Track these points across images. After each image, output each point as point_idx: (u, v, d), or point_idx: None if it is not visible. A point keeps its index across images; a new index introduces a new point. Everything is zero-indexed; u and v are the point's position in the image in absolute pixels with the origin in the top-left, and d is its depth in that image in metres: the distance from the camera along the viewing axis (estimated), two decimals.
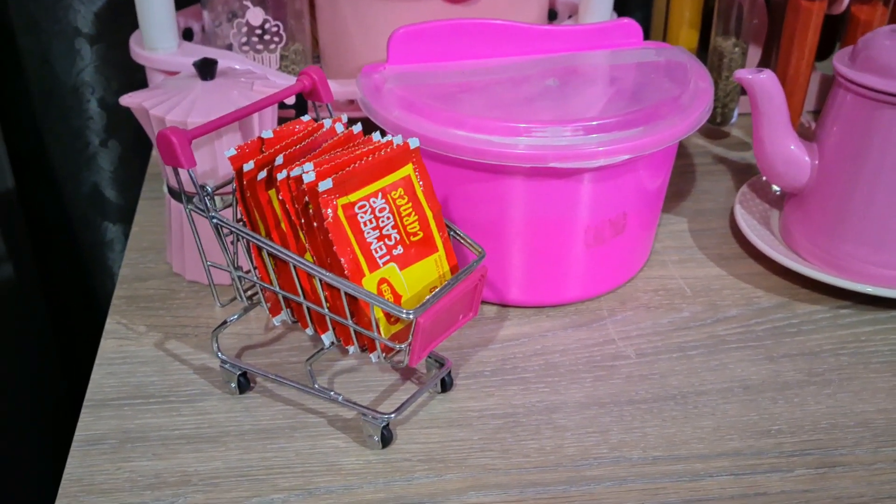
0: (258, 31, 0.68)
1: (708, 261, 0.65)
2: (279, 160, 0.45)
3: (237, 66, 0.66)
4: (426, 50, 0.62)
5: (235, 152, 0.46)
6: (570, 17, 0.77)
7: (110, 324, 0.59)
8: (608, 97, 0.58)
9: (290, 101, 0.62)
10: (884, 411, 0.52)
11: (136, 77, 0.81)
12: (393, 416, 0.49)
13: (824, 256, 0.61)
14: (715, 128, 0.79)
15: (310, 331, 0.49)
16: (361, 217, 0.45)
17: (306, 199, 0.45)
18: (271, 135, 0.48)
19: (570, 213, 0.56)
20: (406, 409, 0.50)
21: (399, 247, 0.47)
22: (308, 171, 0.44)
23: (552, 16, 0.79)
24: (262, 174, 0.46)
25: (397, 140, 0.48)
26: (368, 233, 0.45)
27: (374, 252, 0.46)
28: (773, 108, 0.60)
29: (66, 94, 0.86)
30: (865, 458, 0.49)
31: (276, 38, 0.69)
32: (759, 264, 0.64)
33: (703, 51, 0.78)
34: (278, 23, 0.69)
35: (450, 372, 0.53)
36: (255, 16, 0.68)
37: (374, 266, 0.46)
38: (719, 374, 0.55)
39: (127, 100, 0.59)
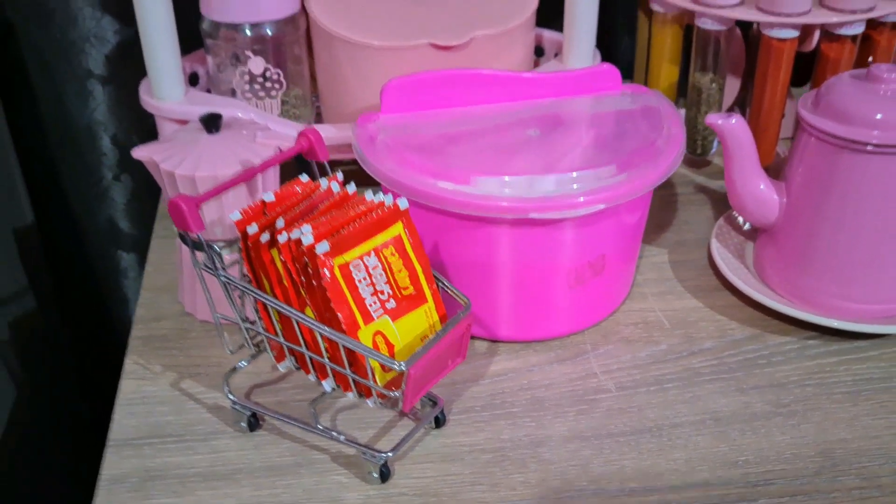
0: (260, 79, 0.73)
1: (686, 293, 0.70)
2: (280, 223, 0.50)
3: (240, 114, 0.70)
4: (417, 99, 0.66)
5: (241, 216, 0.51)
6: (556, 55, 0.81)
7: (129, 364, 0.63)
8: (586, 147, 0.62)
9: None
10: (843, 441, 0.56)
11: (146, 116, 0.86)
12: (390, 454, 0.53)
13: (793, 290, 0.65)
14: (697, 158, 0.83)
15: (312, 377, 0.54)
16: (356, 275, 0.50)
17: (305, 259, 0.49)
18: (273, 198, 0.52)
19: (552, 258, 0.60)
20: (402, 446, 0.54)
21: (391, 300, 0.51)
22: (306, 234, 0.49)
23: (539, 52, 0.83)
24: (266, 236, 0.50)
25: (388, 201, 0.52)
26: (363, 289, 0.50)
27: (368, 307, 0.50)
28: (742, 151, 0.64)
29: (80, 132, 0.91)
30: (824, 486, 0.53)
31: (276, 85, 0.73)
32: (734, 296, 0.68)
33: (685, 84, 0.82)
34: (279, 70, 0.73)
35: (442, 409, 0.57)
36: (257, 65, 0.72)
37: (368, 319, 0.50)
38: (692, 406, 0.59)
39: (139, 153, 0.64)
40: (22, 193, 0.90)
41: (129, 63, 0.86)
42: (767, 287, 0.67)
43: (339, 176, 0.55)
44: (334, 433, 0.55)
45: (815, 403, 0.59)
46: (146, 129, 0.88)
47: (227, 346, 0.56)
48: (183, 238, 0.62)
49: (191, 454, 0.56)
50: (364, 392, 0.52)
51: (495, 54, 0.73)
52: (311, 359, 0.53)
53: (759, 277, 0.68)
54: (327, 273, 0.48)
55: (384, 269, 0.50)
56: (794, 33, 0.73)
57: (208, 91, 0.77)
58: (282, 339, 0.53)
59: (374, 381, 0.50)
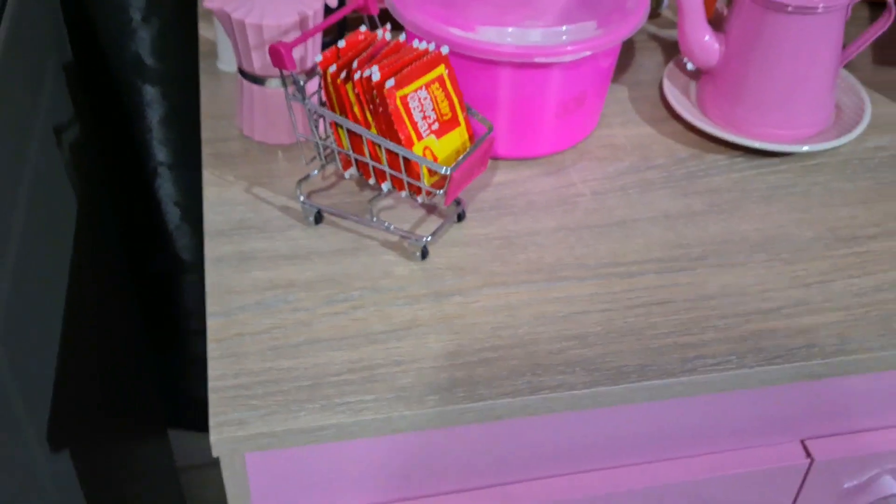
0: None
1: (643, 122, 0.88)
2: (354, 64, 0.66)
3: None
4: None
5: (322, 58, 0.67)
6: None
7: (207, 175, 0.80)
8: (573, 6, 0.78)
9: (333, 3, 0.80)
10: (758, 230, 0.77)
11: None
12: (429, 238, 0.72)
13: (726, 119, 0.84)
14: (651, 11, 1.00)
15: (372, 181, 0.71)
16: (412, 104, 0.66)
17: (374, 92, 0.65)
18: (344, 44, 0.68)
19: (544, 94, 0.77)
20: (438, 233, 0.73)
21: (436, 123, 0.68)
22: (375, 73, 0.65)
23: None
24: (343, 74, 0.66)
25: (432, 48, 0.68)
26: (416, 114, 0.67)
27: (419, 128, 0.67)
28: (693, 7, 0.82)
29: None
30: (742, 259, 0.74)
31: None
32: (680, 125, 0.87)
33: None
34: None
35: (464, 208, 0.76)
36: None
37: (420, 137, 0.67)
38: (649, 207, 0.79)
39: (210, 3, 0.78)
40: (63, 33, 1.02)
41: None
42: (706, 117, 0.86)
43: (388, 26, 0.71)
44: (386, 223, 0.73)
45: (739, 204, 0.79)
46: None
47: (305, 158, 0.73)
48: (244, 74, 0.77)
49: (273, 241, 0.74)
50: (415, 191, 0.70)
51: None
52: (373, 167, 0.70)
53: (700, 110, 0.87)
54: (393, 102, 0.65)
55: (432, 100, 0.67)
56: None
57: None
58: (351, 152, 0.70)
59: (424, 182, 0.68)
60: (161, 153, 1.18)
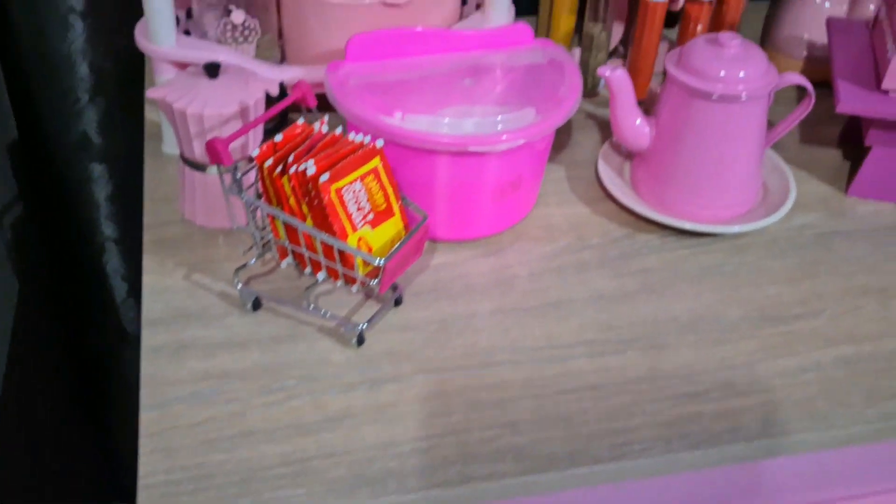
0: (239, 27, 0.88)
1: (579, 202, 0.90)
2: (291, 158, 0.67)
3: (229, 59, 0.85)
4: (377, 50, 0.83)
5: (259, 152, 0.68)
6: (477, 6, 0.99)
7: (147, 262, 0.80)
8: (509, 94, 0.81)
9: (274, 91, 0.82)
10: (688, 310, 0.79)
11: (120, 45, 0.99)
12: (365, 325, 0.73)
13: (658, 200, 0.87)
14: (588, 91, 1.03)
15: (307, 271, 0.72)
16: (347, 196, 0.68)
17: (310, 185, 0.67)
18: (281, 138, 0.69)
19: (481, 179, 0.79)
20: (375, 320, 0.74)
21: (371, 214, 0.70)
22: (311, 167, 0.66)
23: (464, 2, 1.00)
24: (279, 168, 0.68)
25: (367, 140, 0.70)
26: (351, 206, 0.68)
27: (354, 219, 0.68)
28: (624, 95, 0.84)
29: (61, 60, 1.04)
30: (671, 341, 0.76)
31: (253, 33, 0.89)
32: (614, 205, 0.89)
33: (580, 32, 1.01)
34: (255, 20, 0.88)
35: (401, 293, 0.77)
36: (238, 16, 0.87)
37: (354, 228, 0.69)
38: (584, 287, 0.80)
39: (153, 94, 0.79)
40: (9, 113, 1.03)
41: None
42: (639, 197, 0.88)
43: (325, 118, 0.72)
44: (322, 311, 0.74)
45: (671, 283, 0.81)
46: (121, 56, 1.03)
47: (243, 247, 0.74)
48: (186, 161, 0.78)
49: (210, 329, 0.74)
50: (350, 281, 0.71)
51: (431, 10, 0.90)
52: (308, 257, 0.71)
53: (633, 189, 0.89)
54: (327, 196, 0.67)
55: (366, 192, 0.69)
56: None
57: (186, 32, 0.92)
58: (287, 243, 0.71)
59: (359, 272, 0.69)
60: (108, 228, 1.18)
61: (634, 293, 0.80)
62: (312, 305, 0.74)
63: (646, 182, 0.88)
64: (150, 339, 0.73)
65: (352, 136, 0.71)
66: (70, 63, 1.04)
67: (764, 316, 0.78)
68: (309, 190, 0.67)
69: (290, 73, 0.88)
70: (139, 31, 0.88)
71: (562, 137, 0.98)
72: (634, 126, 0.86)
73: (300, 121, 0.72)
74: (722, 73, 0.80)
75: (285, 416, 0.68)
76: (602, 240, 0.86)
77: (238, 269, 0.75)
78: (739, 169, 0.85)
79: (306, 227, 0.68)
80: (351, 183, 0.68)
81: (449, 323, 0.76)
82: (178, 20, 0.93)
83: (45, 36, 1.02)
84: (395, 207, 0.71)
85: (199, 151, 0.79)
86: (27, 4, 1.00)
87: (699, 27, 0.96)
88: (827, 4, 1.04)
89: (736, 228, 0.84)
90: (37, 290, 1.05)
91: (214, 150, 0.67)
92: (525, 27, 0.87)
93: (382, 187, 0.70)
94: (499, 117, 0.77)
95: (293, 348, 0.73)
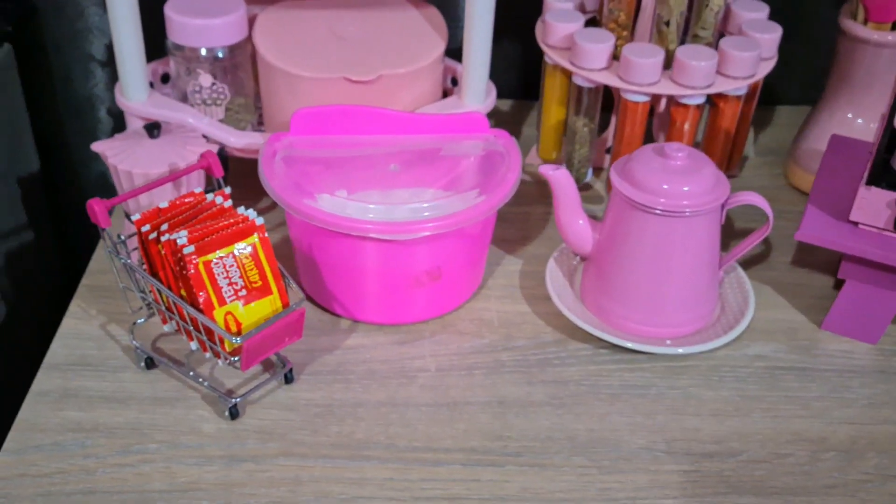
0: (207, 90, 0.90)
1: (521, 299, 0.86)
2: (164, 227, 0.68)
3: (189, 119, 0.88)
4: (319, 125, 0.83)
5: (139, 217, 0.69)
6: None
7: (73, 307, 0.83)
8: (430, 183, 0.79)
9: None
10: (589, 430, 0.73)
11: None
12: (237, 400, 0.72)
13: (598, 309, 0.82)
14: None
15: (185, 337, 0.73)
16: (216, 270, 0.68)
17: (180, 255, 0.67)
18: (167, 205, 0.70)
19: (392, 266, 0.77)
20: (249, 395, 0.73)
21: (243, 290, 0.69)
22: (182, 237, 0.67)
23: (454, 82, 0.99)
24: (154, 235, 0.68)
25: (252, 215, 0.70)
26: (221, 280, 0.68)
27: (223, 293, 0.68)
28: (565, 194, 0.80)
29: (82, 102, 1.10)
30: (558, 461, 0.71)
31: (221, 96, 0.91)
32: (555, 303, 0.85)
33: None
34: (224, 85, 0.90)
35: (291, 370, 0.76)
36: (206, 79, 0.90)
37: (222, 302, 0.68)
38: (488, 390, 0.77)
39: (96, 147, 0.82)
40: (31, 148, 1.10)
41: None
42: (582, 304, 0.84)
43: (227, 190, 0.73)
44: (200, 379, 0.74)
45: (582, 399, 0.76)
46: None
47: (129, 307, 0.75)
48: (126, 215, 0.80)
49: (102, 381, 0.76)
50: (216, 354, 0.70)
51: (402, 89, 0.89)
52: (182, 326, 0.71)
53: (579, 295, 0.85)
54: (193, 267, 0.67)
55: (239, 267, 0.69)
56: (646, 98, 0.88)
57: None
58: (163, 308, 0.72)
59: (223, 348, 0.69)
60: None
61: (539, 404, 0.76)
62: (192, 372, 0.74)
63: (589, 287, 0.83)
64: (41, 383, 0.75)
65: (241, 209, 0.71)
66: (91, 106, 1.10)
67: (670, 449, 0.72)
68: (179, 259, 0.67)
69: (246, 140, 0.89)
70: (118, 87, 0.92)
71: (534, 230, 0.95)
72: (577, 228, 0.82)
73: (197, 189, 0.73)
74: (665, 186, 0.75)
75: (132, 479, 0.68)
76: (529, 343, 0.82)
77: (132, 326, 0.76)
78: (683, 286, 0.79)
79: (173, 295, 0.68)
80: (222, 257, 0.68)
81: (334, 408, 0.74)
82: (168, 77, 0.96)
83: (70, 80, 1.09)
84: (273, 286, 0.70)
85: (132, 206, 0.82)
86: (58, 50, 1.07)
87: (686, 127, 0.91)
88: (859, 121, 0.96)
89: (664, 349, 0.78)
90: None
91: (92, 212, 0.68)
92: (480, 117, 0.85)
93: (259, 264, 0.69)
94: (410, 205, 0.75)
95: (169, 412, 0.73)
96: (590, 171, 0.98)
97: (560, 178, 0.80)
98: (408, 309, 0.81)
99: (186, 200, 0.71)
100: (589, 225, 0.82)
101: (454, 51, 0.95)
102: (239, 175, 0.92)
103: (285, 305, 0.71)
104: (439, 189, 0.79)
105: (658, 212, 0.75)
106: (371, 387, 0.76)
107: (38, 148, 1.11)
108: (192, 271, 0.67)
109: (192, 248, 0.66)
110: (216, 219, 0.70)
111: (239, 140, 0.89)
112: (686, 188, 0.75)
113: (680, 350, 0.78)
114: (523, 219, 0.96)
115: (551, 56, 0.92)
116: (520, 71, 1.14)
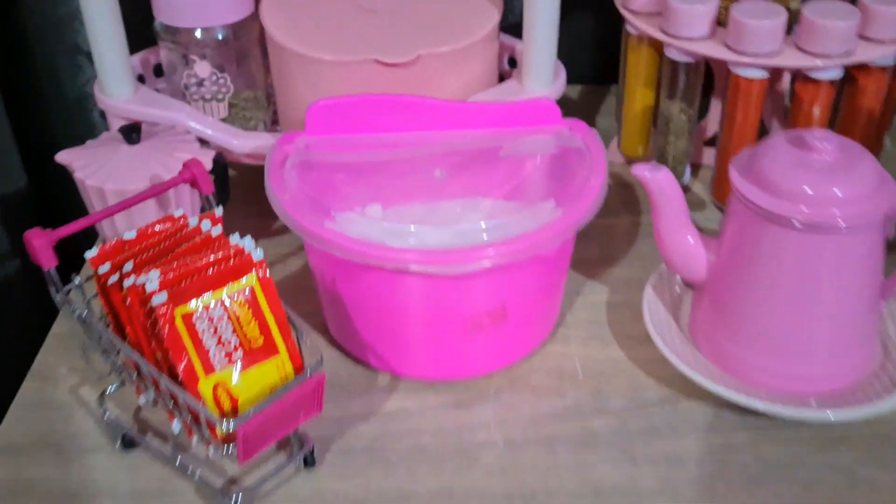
0: (206, 83, 0.72)
1: (612, 340, 0.66)
2: (128, 266, 0.49)
3: (185, 119, 0.69)
4: (342, 121, 0.64)
5: (97, 252, 0.50)
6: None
7: (37, 363, 0.65)
8: (488, 192, 0.59)
9: (207, 164, 0.64)
10: None
11: None
12: (238, 497, 0.53)
13: (717, 354, 0.61)
14: None
15: (166, 414, 0.54)
16: (199, 325, 0.49)
17: (150, 305, 0.48)
18: (134, 235, 0.51)
19: (440, 306, 0.58)
20: (260, 488, 0.54)
21: (238, 350, 0.50)
22: (152, 280, 0.48)
23: (513, 63, 0.79)
24: (116, 277, 0.50)
25: (248, 246, 0.51)
26: (207, 339, 0.49)
27: (211, 357, 0.49)
28: (670, 204, 0.60)
29: (71, 104, 0.93)
30: None
31: (223, 90, 0.72)
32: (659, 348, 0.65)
33: None
34: (225, 75, 0.72)
35: (313, 450, 0.56)
36: (203, 69, 0.71)
37: (210, 370, 0.49)
38: (577, 474, 0.57)
39: (61, 157, 0.64)
40: (14, 160, 0.92)
41: None
42: (693, 346, 0.63)
43: (219, 212, 0.54)
44: (190, 470, 0.55)
45: (708, 486, 0.56)
46: None
47: (94, 371, 0.56)
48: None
49: (66, 468, 0.57)
50: (206, 442, 0.51)
51: (446, 72, 0.70)
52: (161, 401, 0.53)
53: (688, 334, 0.64)
54: (168, 322, 0.48)
55: (231, 320, 0.49)
56: (764, 74, 0.67)
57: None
58: (136, 376, 0.53)
59: (213, 434, 0.50)
60: None
61: (649, 495, 0.55)
62: (182, 455, 0.55)
63: (702, 326, 0.63)
64: None
65: (234, 238, 0.52)
66: (81, 107, 0.93)
67: None
68: (149, 311, 0.49)
69: (254, 142, 0.70)
70: (97, 82, 0.74)
71: (620, 247, 0.75)
72: (685, 247, 0.61)
73: (178, 212, 0.54)
74: (808, 190, 0.54)
75: None
76: (627, 402, 0.61)
77: (101, 396, 0.58)
78: (835, 325, 0.58)
79: (144, 363, 0.50)
80: (207, 306, 0.49)
81: (370, 502, 0.55)
82: (160, 69, 0.78)
83: (57, 77, 0.91)
84: (281, 343, 0.51)
85: (108, 230, 0.63)
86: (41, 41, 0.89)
87: (816, 111, 0.69)
88: None
89: (826, 414, 0.57)
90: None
91: (30, 247, 0.50)
92: (549, 104, 0.65)
93: (259, 314, 0.50)
94: (463, 226, 0.55)
95: None
96: (688, 170, 0.78)
97: (662, 183, 0.60)
98: (464, 360, 0.62)
99: (159, 228, 0.52)
100: (701, 243, 0.61)
101: (511, 26, 0.75)
102: (250, 188, 0.73)
103: (298, 370, 0.52)
104: (500, 199, 0.60)
105: (799, 225, 0.54)
106: (419, 471, 0.57)
107: (24, 159, 0.94)
108: (166, 329, 0.48)
109: (163, 297, 0.47)
110: (200, 252, 0.51)
111: (244, 143, 0.70)
112: (839, 192, 0.54)
113: (831, 415, 0.57)
114: (605, 232, 0.76)
115: (636, 24, 0.72)
116: (591, 47, 0.93)
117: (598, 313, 0.69)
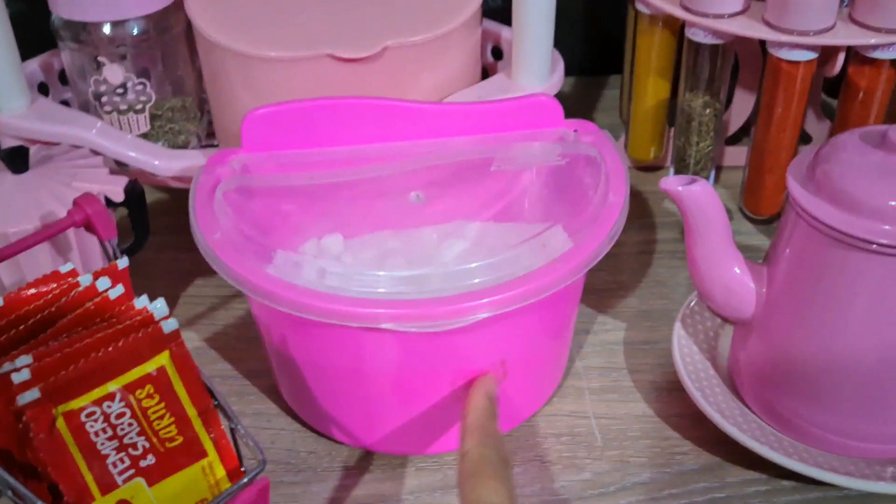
0: (120, 90, 0.58)
1: (635, 391, 0.54)
2: None
3: (88, 136, 0.56)
4: (288, 134, 0.51)
5: None
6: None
7: None
8: (475, 214, 0.47)
9: (117, 195, 0.51)
10: None
11: None
12: None
13: (768, 407, 0.49)
14: None
15: None
16: (91, 427, 0.36)
17: (17, 406, 0.35)
18: (1, 303, 0.38)
19: (425, 368, 0.45)
20: None
21: (150, 456, 0.37)
22: (21, 369, 0.35)
23: (497, 54, 0.66)
24: None
25: (158, 312, 0.37)
26: (103, 445, 0.36)
27: (110, 468, 0.36)
28: (709, 224, 0.47)
29: None
30: None
31: (142, 98, 0.59)
32: (696, 403, 0.52)
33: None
34: (143, 80, 0.58)
35: None
36: (114, 73, 0.58)
37: (109, 486, 0.36)
38: None
39: None
40: None
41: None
42: (737, 398, 0.51)
43: (122, 263, 0.41)
44: None
45: None
46: None
47: None
48: None
49: None
50: None
51: (417, 68, 0.57)
52: None
53: (730, 381, 0.52)
54: (44, 429, 0.35)
55: (136, 417, 0.36)
56: (811, 55, 0.55)
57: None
58: (11, 497, 0.39)
59: None
60: None
61: None
62: None
63: (749, 373, 0.50)
64: None
65: (140, 301, 0.38)
66: None
67: None
68: (19, 414, 0.35)
69: (181, 162, 0.57)
70: None
71: (634, 271, 0.62)
72: (729, 278, 0.48)
73: (65, 268, 0.40)
74: (892, 202, 0.42)
75: None
76: (658, 474, 0.49)
77: None
78: None
79: (12, 481, 0.36)
80: (101, 401, 0.36)
81: None
82: (65, 78, 0.64)
83: None
84: (207, 441, 0.38)
85: None
86: None
87: (876, 98, 0.57)
88: None
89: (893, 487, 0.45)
90: None
91: None
92: (548, 101, 0.52)
93: (174, 404, 0.37)
94: (448, 268, 0.42)
95: None
96: (711, 175, 0.65)
97: (700, 199, 0.47)
98: (452, 431, 0.49)
99: (35, 291, 0.39)
100: (749, 273, 0.48)
101: (493, 10, 0.63)
102: (183, 212, 0.59)
103: (233, 473, 0.39)
104: (489, 221, 0.47)
105: (881, 249, 0.42)
106: None
107: None
108: (41, 436, 0.34)
109: (36, 394, 0.34)
110: (92, 324, 0.38)
111: (169, 164, 0.57)
112: None
113: None
114: (613, 253, 0.61)
115: (649, 1, 0.59)
116: (587, 33, 0.81)
117: (614, 357, 0.56)
